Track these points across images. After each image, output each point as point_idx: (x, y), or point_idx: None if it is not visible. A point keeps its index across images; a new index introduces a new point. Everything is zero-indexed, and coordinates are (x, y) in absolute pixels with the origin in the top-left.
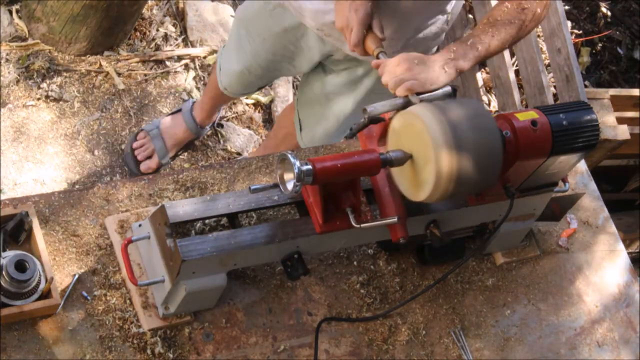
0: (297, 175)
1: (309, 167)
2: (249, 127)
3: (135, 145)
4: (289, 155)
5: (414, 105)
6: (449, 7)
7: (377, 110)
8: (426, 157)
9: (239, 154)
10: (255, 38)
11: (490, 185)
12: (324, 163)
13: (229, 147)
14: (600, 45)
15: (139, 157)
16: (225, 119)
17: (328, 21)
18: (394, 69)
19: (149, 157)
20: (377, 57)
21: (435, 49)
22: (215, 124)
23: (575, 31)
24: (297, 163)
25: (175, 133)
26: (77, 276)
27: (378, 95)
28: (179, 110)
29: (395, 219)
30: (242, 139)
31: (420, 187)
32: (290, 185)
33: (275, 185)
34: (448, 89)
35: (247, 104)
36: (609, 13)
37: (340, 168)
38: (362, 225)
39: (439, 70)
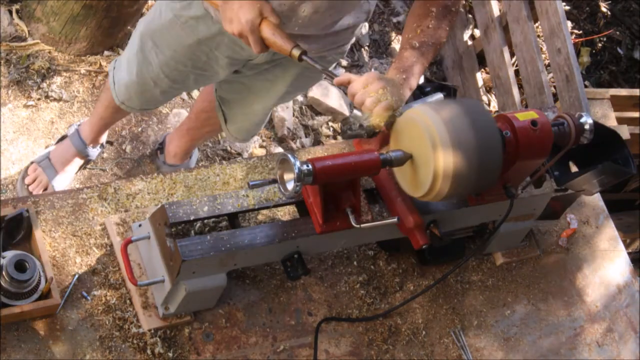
0: (298, 175)
1: (309, 167)
2: None
3: (27, 180)
4: (289, 156)
5: (416, 106)
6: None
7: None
8: (426, 157)
9: (239, 154)
10: (165, 50)
11: (491, 185)
12: (324, 163)
13: (228, 147)
14: (600, 45)
15: (34, 193)
16: None
17: None
18: (366, 88)
19: (45, 189)
20: (300, 59)
21: (352, 41)
22: (104, 143)
23: (575, 31)
24: (298, 163)
25: (66, 159)
26: (77, 276)
27: (301, 86)
28: (65, 136)
29: (395, 219)
30: None
31: (420, 187)
32: (290, 186)
33: (274, 181)
34: (440, 95)
35: None
36: (609, 13)
37: (340, 168)
38: (362, 225)
39: (404, 89)
